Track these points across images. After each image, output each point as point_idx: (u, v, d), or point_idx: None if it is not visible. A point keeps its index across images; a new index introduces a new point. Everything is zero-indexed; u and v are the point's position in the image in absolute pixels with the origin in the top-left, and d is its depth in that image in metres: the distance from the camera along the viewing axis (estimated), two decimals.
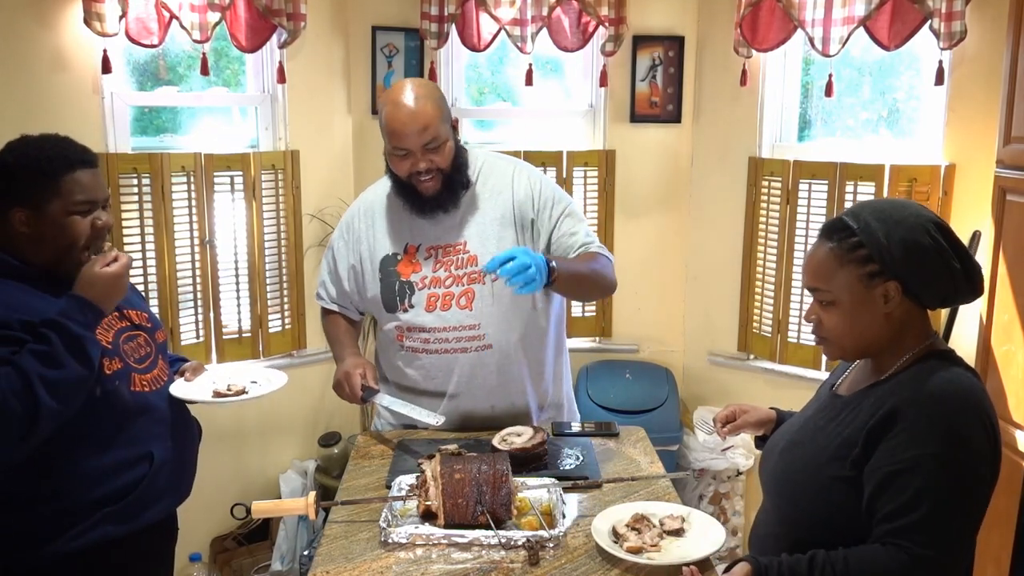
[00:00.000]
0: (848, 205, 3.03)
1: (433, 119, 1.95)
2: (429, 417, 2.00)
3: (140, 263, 2.91)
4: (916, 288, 1.40)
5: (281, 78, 3.14)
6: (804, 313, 1.53)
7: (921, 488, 1.30)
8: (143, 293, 2.90)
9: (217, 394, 1.83)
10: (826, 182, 3.08)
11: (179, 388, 1.82)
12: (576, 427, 2.14)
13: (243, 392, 1.86)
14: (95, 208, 1.71)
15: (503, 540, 1.54)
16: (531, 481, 1.72)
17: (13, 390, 1.50)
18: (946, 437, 1.32)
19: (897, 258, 1.37)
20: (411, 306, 2.08)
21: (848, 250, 1.41)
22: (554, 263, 1.90)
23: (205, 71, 2.88)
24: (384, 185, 2.20)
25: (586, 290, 2.18)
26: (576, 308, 3.47)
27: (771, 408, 1.79)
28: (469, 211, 2.09)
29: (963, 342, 2.87)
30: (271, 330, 3.25)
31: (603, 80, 3.29)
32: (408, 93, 1.96)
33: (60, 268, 1.70)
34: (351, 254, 2.17)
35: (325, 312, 2.29)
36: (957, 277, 1.39)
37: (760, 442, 1.79)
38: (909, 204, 1.45)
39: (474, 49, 3.24)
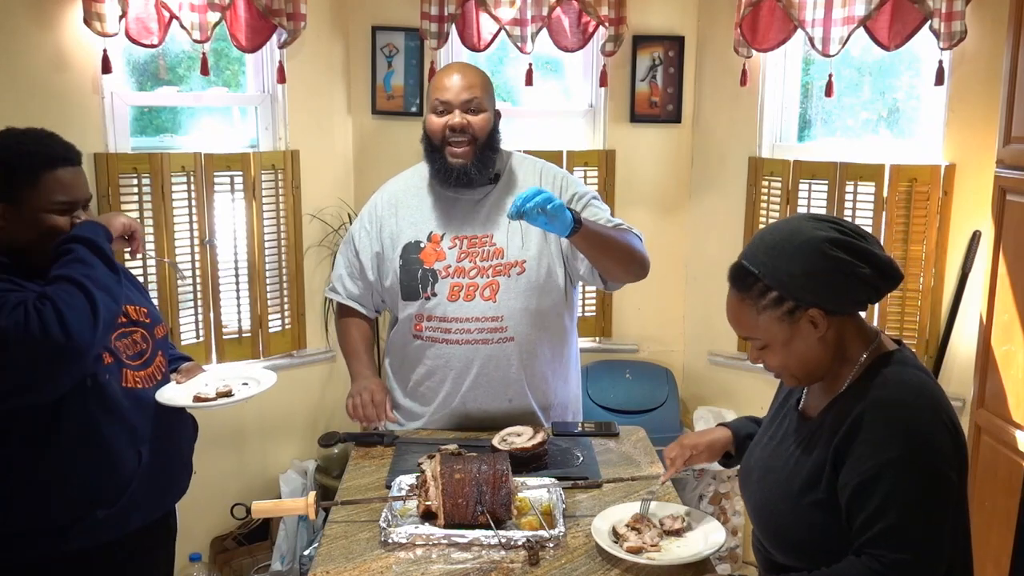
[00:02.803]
0: (848, 205, 3.03)
1: (479, 84, 2.06)
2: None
3: (140, 263, 2.91)
4: (836, 307, 1.39)
5: (281, 78, 3.14)
6: (748, 355, 1.52)
7: (887, 494, 1.30)
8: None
9: (198, 399, 1.80)
10: (826, 182, 3.08)
11: (163, 394, 1.80)
12: (576, 427, 2.14)
13: (227, 395, 1.83)
14: (75, 208, 1.68)
15: (503, 540, 1.55)
16: (531, 481, 1.72)
17: (67, 290, 1.53)
18: (906, 439, 1.32)
19: (806, 289, 1.37)
20: (433, 294, 2.09)
21: (759, 296, 1.40)
22: (578, 214, 1.88)
23: (205, 71, 2.87)
24: (408, 175, 2.23)
25: (613, 252, 2.02)
26: (576, 308, 3.47)
27: (721, 425, 1.77)
28: (496, 205, 2.11)
29: (963, 342, 2.87)
30: (271, 330, 3.25)
31: (603, 80, 3.29)
32: (462, 63, 2.14)
33: (34, 262, 1.67)
34: (375, 242, 2.18)
35: (340, 312, 2.29)
36: (871, 278, 1.37)
37: (727, 461, 1.78)
38: (799, 229, 1.40)
39: (474, 49, 3.24)
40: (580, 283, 2.23)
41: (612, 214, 3.42)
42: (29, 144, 1.65)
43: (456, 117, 2.03)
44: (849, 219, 2.04)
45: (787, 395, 1.60)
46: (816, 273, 1.36)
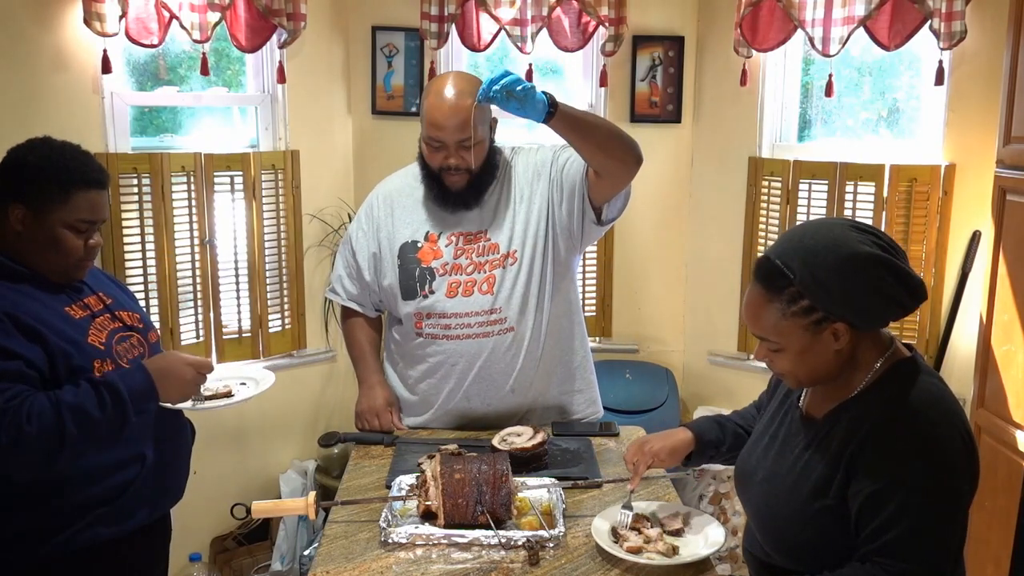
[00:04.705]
0: (848, 205, 3.03)
1: (472, 118, 1.98)
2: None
3: (140, 263, 2.91)
4: (865, 324, 1.37)
5: (281, 78, 3.14)
6: (755, 352, 1.48)
7: (901, 505, 1.29)
8: (143, 293, 2.90)
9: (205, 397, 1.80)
10: (826, 182, 3.08)
11: None
12: (576, 427, 2.14)
13: (227, 395, 1.83)
14: (92, 229, 1.72)
15: (503, 540, 1.55)
16: (531, 481, 1.72)
17: (42, 443, 1.51)
18: (924, 452, 1.31)
19: (841, 304, 1.33)
20: (432, 292, 2.09)
21: (788, 302, 1.35)
22: (554, 99, 1.83)
23: (205, 71, 2.87)
24: (402, 175, 2.23)
25: (596, 132, 1.96)
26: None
27: (684, 426, 1.76)
28: (490, 201, 2.11)
29: (963, 342, 2.87)
30: (271, 330, 3.24)
31: (603, 80, 3.29)
32: (453, 87, 1.98)
33: (45, 273, 1.69)
34: (371, 242, 2.18)
35: (344, 315, 2.30)
36: (903, 302, 1.35)
37: (687, 461, 1.76)
38: (843, 240, 1.34)
39: (474, 49, 3.24)
40: (582, 255, 2.21)
41: None
42: (69, 159, 1.69)
43: (452, 158, 2.01)
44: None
45: (786, 394, 1.58)
46: (856, 291, 1.32)
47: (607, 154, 1.97)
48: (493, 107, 2.07)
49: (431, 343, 2.10)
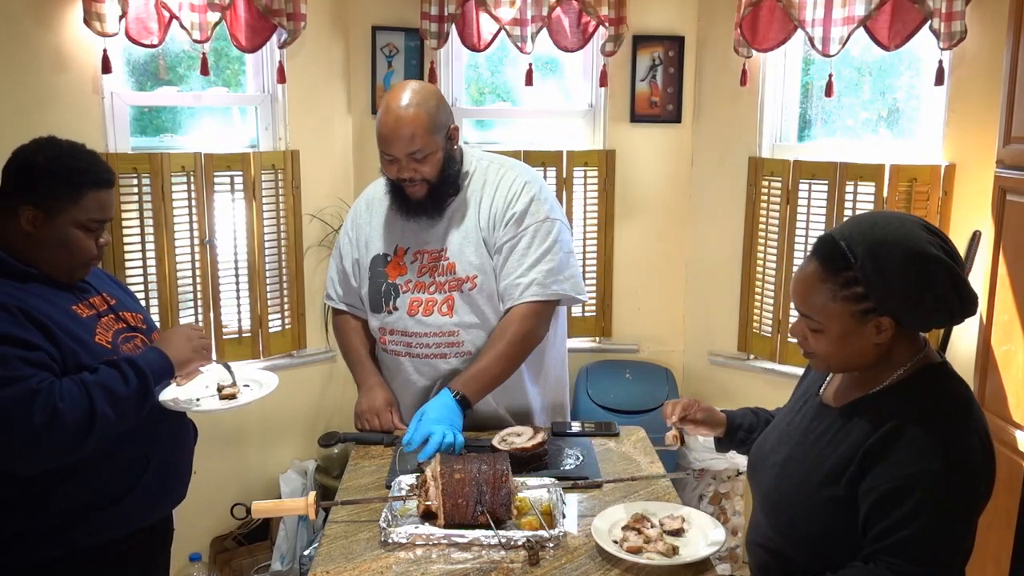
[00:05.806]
0: (848, 205, 3.03)
1: (421, 129, 1.94)
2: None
3: (140, 263, 2.91)
4: (912, 324, 1.37)
5: (281, 78, 3.14)
6: (790, 327, 1.49)
7: (917, 505, 1.29)
8: (143, 293, 2.90)
9: (222, 396, 1.82)
10: (826, 182, 3.08)
11: (165, 396, 1.79)
12: (576, 427, 2.14)
13: (232, 398, 1.84)
14: (102, 228, 1.73)
15: (503, 540, 1.55)
16: (531, 481, 1.72)
17: (76, 420, 1.54)
18: (945, 455, 1.30)
19: (896, 299, 1.33)
20: (395, 308, 2.10)
21: (843, 285, 1.34)
22: (465, 395, 1.94)
23: (205, 71, 2.88)
24: (382, 184, 2.21)
25: (508, 375, 2.06)
26: (576, 308, 3.47)
27: (723, 412, 1.78)
28: (455, 217, 2.10)
29: (963, 342, 2.87)
30: (271, 330, 3.25)
31: (603, 80, 3.29)
32: (402, 99, 1.95)
33: (52, 273, 1.70)
34: (354, 249, 2.19)
35: (336, 316, 2.30)
36: (954, 311, 1.35)
37: (719, 444, 1.78)
38: (913, 236, 1.33)
39: (474, 49, 3.24)
40: None
41: (610, 214, 3.38)
42: (80, 161, 1.70)
43: (405, 172, 1.99)
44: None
45: (810, 384, 1.59)
46: (913, 290, 1.32)
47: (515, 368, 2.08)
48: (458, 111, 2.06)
49: (394, 359, 2.13)
